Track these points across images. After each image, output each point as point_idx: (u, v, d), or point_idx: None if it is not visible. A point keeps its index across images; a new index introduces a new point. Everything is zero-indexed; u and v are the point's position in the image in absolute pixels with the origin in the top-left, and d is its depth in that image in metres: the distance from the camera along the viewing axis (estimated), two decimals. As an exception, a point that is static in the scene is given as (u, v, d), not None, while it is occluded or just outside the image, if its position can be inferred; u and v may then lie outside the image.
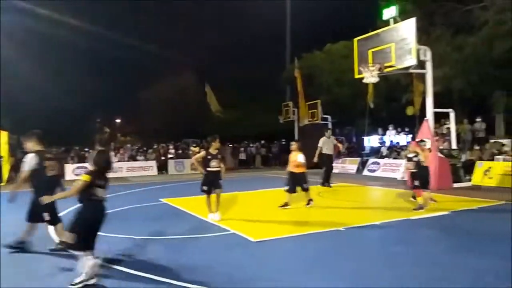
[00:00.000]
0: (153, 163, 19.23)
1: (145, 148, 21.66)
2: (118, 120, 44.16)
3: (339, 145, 14.50)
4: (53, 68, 29.66)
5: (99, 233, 4.30)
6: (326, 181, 12.23)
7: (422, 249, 5.25)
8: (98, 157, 4.29)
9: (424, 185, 8.01)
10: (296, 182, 8.36)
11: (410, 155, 8.14)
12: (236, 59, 36.08)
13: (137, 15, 35.91)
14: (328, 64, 25.38)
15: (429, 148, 9.13)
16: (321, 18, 31.01)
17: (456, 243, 5.50)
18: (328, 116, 21.11)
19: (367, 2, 16.77)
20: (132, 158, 19.71)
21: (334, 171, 18.40)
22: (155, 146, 21.16)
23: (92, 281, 4.03)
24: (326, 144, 12.23)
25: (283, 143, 26.30)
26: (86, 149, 19.98)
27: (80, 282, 3.98)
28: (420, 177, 8.01)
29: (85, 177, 4.07)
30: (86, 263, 4.01)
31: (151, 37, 35.00)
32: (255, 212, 8.09)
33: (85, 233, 4.08)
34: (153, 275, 4.30)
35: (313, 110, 20.76)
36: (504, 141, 14.61)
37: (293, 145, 8.65)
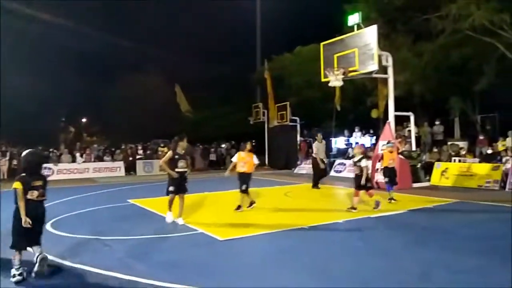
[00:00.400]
0: (120, 164, 18.90)
1: (113, 149, 21.24)
2: (84, 120, 42.85)
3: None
4: (15, 63, 28.37)
5: (41, 231, 4.46)
6: (316, 184, 12.18)
7: (378, 244, 5.60)
8: (26, 157, 4.42)
9: (393, 182, 8.96)
10: (242, 182, 8.17)
11: (356, 159, 8.06)
12: (207, 60, 36.03)
13: (104, 11, 34.98)
14: (298, 66, 25.82)
15: (390, 150, 9.50)
16: (292, 21, 31.51)
17: (410, 238, 5.88)
18: (297, 118, 21.54)
19: (336, 7, 17.30)
20: (99, 158, 19.29)
21: (302, 172, 18.97)
22: (122, 147, 20.78)
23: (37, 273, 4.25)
24: (320, 149, 12.23)
25: (254, 144, 26.53)
26: (51, 149, 19.33)
27: (13, 276, 4.18)
28: (389, 176, 9.08)
29: (16, 185, 4.23)
30: (17, 258, 4.24)
31: (119, 34, 34.25)
32: (224, 212, 8.20)
33: (18, 232, 4.24)
34: (119, 273, 4.35)
35: (282, 112, 21.15)
36: (460, 143, 15.55)
37: (248, 145, 8.43)
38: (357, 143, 12.40)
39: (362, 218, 7.26)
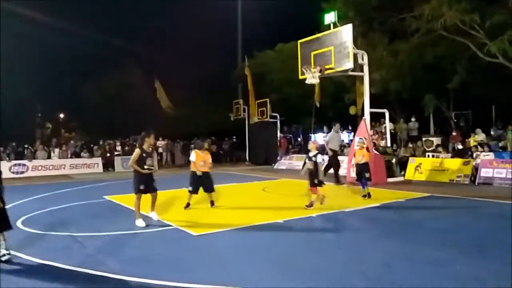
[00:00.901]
0: (98, 160, 18.64)
1: (91, 145, 20.91)
2: (62, 115, 41.92)
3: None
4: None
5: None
6: (337, 180, 11.63)
7: (348, 236, 5.78)
8: None
9: (364, 178, 8.87)
10: (201, 182, 7.90)
11: (311, 154, 7.76)
12: (188, 56, 35.73)
13: (83, 6, 34.22)
14: (279, 63, 25.96)
15: (366, 147, 9.54)
16: (275, 18, 31.56)
17: (378, 231, 6.08)
18: (277, 114, 21.70)
19: (318, 5, 17.48)
20: (76, 155, 18.96)
21: (281, 167, 19.16)
22: (100, 143, 20.48)
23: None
24: (333, 139, 11.78)
25: (234, 140, 26.59)
26: (26, 146, 18.89)
27: None
28: (359, 173, 9.03)
29: None
30: None
31: (99, 30, 33.59)
32: (200, 207, 8.23)
33: None
34: (89, 269, 4.36)
35: (262, 108, 21.26)
36: (434, 139, 16.01)
37: (205, 144, 8.23)
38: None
39: (335, 212, 7.43)
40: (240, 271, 4.34)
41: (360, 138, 9.94)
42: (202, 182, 7.92)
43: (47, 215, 7.83)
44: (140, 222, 6.56)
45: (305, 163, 7.83)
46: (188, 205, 7.94)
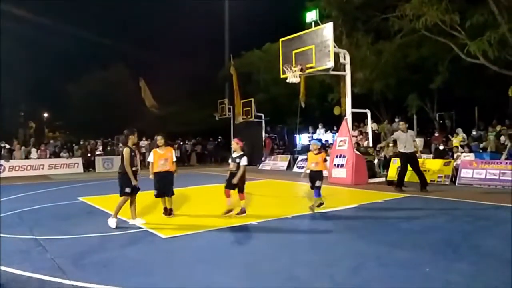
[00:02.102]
0: (78, 160, 18.26)
1: (73, 144, 20.49)
2: (45, 114, 41.16)
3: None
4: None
5: None
6: (423, 186, 9.93)
7: (321, 239, 5.64)
8: None
9: (317, 187, 7.43)
10: (166, 183, 7.01)
11: (234, 155, 7.02)
12: (175, 55, 35.43)
13: (66, 4, 33.65)
14: (266, 63, 25.90)
15: (324, 158, 7.65)
16: (263, 17, 31.46)
17: (353, 232, 5.96)
18: (262, 114, 21.59)
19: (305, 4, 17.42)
20: (55, 155, 18.55)
21: (266, 168, 19.03)
22: (81, 143, 20.08)
23: None
24: (404, 140, 9.92)
25: (219, 140, 26.39)
26: (2, 145, 18.39)
27: None
28: (313, 180, 7.53)
29: None
30: None
31: (83, 28, 33.05)
32: (174, 209, 8.03)
33: None
34: (45, 276, 4.13)
35: (247, 108, 21.12)
36: (417, 139, 16.03)
37: (160, 138, 7.07)
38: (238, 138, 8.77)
39: (312, 214, 7.30)
40: (204, 275, 4.16)
41: (316, 140, 8.47)
42: (163, 183, 6.96)
43: (15, 217, 7.52)
44: (112, 222, 6.29)
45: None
46: (166, 210, 7.17)
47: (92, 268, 4.41)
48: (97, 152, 19.29)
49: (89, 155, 18.92)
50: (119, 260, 4.72)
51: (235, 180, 6.82)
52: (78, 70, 33.73)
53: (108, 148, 19.86)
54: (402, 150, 10.05)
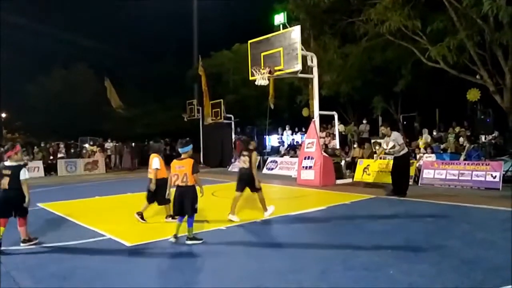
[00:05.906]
0: (39, 163, 17.43)
1: (34, 147, 19.53)
2: (4, 115, 39.06)
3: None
4: None
5: None
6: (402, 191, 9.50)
7: (289, 243, 5.64)
8: None
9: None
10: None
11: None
12: (142, 55, 34.65)
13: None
14: (235, 64, 25.83)
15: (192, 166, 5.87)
16: (232, 17, 31.38)
17: (320, 235, 6.04)
18: (231, 116, 21.51)
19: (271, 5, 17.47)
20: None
21: (235, 170, 18.90)
22: (42, 145, 19.19)
23: None
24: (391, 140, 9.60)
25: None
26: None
27: None
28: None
29: None
30: None
31: (46, 22, 31.66)
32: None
33: None
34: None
35: (216, 109, 20.98)
36: (382, 141, 16.48)
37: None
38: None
39: (281, 216, 7.33)
40: (168, 283, 4.06)
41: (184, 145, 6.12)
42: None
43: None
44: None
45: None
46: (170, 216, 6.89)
47: (50, 281, 4.20)
48: (60, 155, 18.47)
49: (51, 157, 18.09)
50: (79, 271, 4.51)
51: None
52: (40, 68, 32.26)
53: (72, 150, 19.09)
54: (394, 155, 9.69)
